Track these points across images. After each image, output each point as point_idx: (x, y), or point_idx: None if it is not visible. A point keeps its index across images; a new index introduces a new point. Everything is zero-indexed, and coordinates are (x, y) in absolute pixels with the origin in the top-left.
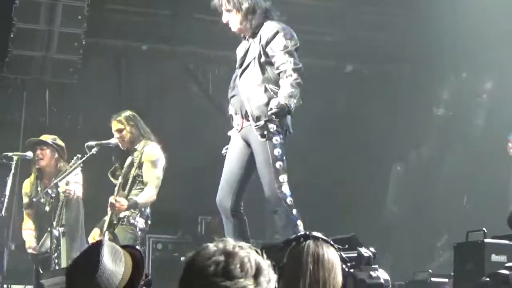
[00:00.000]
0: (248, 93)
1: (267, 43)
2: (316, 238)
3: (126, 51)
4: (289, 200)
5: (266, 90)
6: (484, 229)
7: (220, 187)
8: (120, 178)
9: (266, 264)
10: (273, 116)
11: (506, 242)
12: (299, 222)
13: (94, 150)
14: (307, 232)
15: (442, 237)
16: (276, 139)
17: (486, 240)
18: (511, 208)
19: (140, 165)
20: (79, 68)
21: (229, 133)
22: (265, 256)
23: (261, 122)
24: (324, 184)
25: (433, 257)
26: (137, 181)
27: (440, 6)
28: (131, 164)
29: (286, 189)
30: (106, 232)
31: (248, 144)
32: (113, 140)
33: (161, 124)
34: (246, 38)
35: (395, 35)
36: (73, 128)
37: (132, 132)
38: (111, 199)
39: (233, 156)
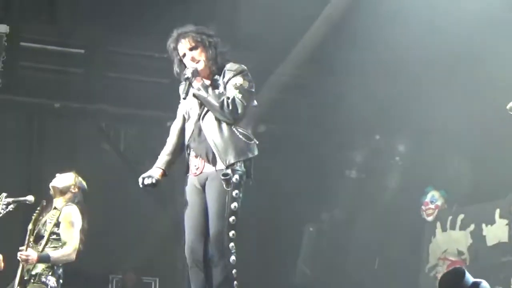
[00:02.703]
0: (215, 136)
1: (228, 80)
2: None
3: (38, 108)
4: (232, 259)
5: (234, 134)
6: None
7: (187, 237)
8: (31, 232)
9: None
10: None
11: None
12: (236, 283)
13: (10, 207)
14: None
15: None
16: (236, 193)
17: None
18: (424, 270)
19: (57, 224)
20: None
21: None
22: None
23: (229, 172)
24: (238, 244)
25: None
26: (52, 239)
27: (351, 71)
28: (48, 221)
29: (233, 246)
30: None
31: (204, 189)
32: (30, 197)
33: None
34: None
35: (309, 98)
36: None
37: (72, 192)
38: (19, 253)
39: (193, 203)
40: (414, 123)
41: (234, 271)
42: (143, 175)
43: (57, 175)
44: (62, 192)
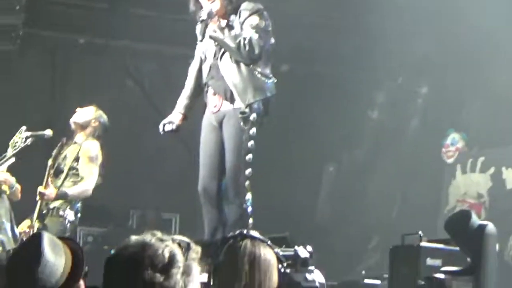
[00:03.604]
0: (234, 76)
1: (244, 20)
2: (253, 238)
3: (63, 43)
4: (248, 197)
5: (252, 73)
6: (420, 232)
7: (202, 174)
8: (51, 167)
9: (183, 257)
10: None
11: (442, 246)
12: (251, 221)
13: (29, 141)
14: (245, 231)
15: (373, 239)
16: (254, 131)
17: (422, 244)
18: (443, 211)
19: (77, 158)
20: (16, 58)
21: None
22: (193, 251)
23: (247, 110)
24: (257, 182)
25: (363, 259)
26: (71, 174)
27: (376, 9)
28: (68, 155)
29: (248, 184)
30: (37, 222)
31: (221, 127)
32: (47, 132)
33: None
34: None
35: (332, 36)
36: (5, 118)
37: (92, 126)
38: (40, 188)
39: (208, 140)
40: (436, 65)
41: (249, 209)
42: (164, 121)
43: (78, 109)
44: (83, 126)
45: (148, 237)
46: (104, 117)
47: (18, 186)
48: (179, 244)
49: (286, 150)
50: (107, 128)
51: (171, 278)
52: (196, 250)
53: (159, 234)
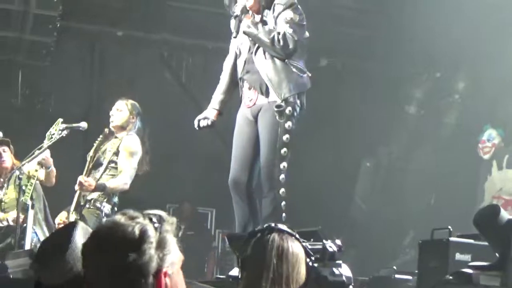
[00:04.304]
0: (269, 70)
1: (278, 14)
2: (281, 231)
3: (100, 36)
4: (282, 191)
5: (287, 67)
6: (449, 227)
7: (233, 166)
8: (92, 159)
9: (156, 231)
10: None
11: (471, 241)
12: (284, 215)
13: (64, 133)
14: (273, 225)
15: (408, 234)
16: (289, 125)
17: (451, 239)
18: (478, 208)
19: (116, 152)
20: (53, 50)
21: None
22: (167, 223)
23: (283, 103)
24: (293, 176)
25: (398, 254)
26: (110, 167)
27: (415, 5)
28: (108, 149)
29: (283, 178)
30: (74, 213)
31: (256, 121)
32: (83, 124)
33: None
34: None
35: (370, 31)
36: (44, 110)
37: (128, 118)
38: (80, 178)
39: (243, 133)
40: (473, 61)
41: (283, 203)
42: (199, 117)
43: (110, 113)
44: (123, 127)
45: (118, 217)
46: (137, 106)
47: (54, 169)
48: (150, 219)
49: (322, 144)
50: (145, 120)
51: (145, 255)
52: (170, 221)
53: (130, 212)
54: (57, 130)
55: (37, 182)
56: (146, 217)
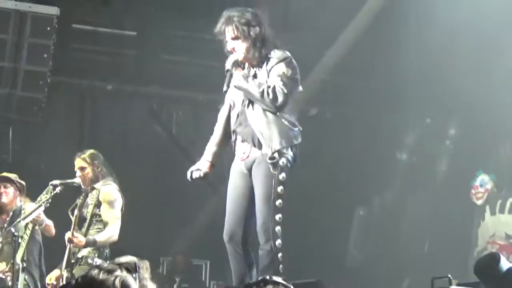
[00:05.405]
0: (260, 124)
1: (271, 68)
2: (276, 283)
3: (90, 90)
4: (278, 242)
5: (278, 120)
6: (449, 275)
7: (227, 220)
8: (76, 215)
9: (136, 281)
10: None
11: None
12: (281, 267)
13: (58, 189)
14: (267, 277)
15: (404, 281)
16: (283, 176)
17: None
18: (473, 254)
19: (98, 205)
20: (44, 106)
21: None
22: (143, 271)
23: (276, 155)
24: (287, 227)
25: None
26: (95, 221)
27: (404, 51)
28: (89, 202)
29: (279, 230)
30: (65, 271)
31: (251, 173)
32: (77, 179)
33: (124, 164)
34: (247, 68)
35: (359, 78)
36: (36, 166)
37: (94, 171)
38: (68, 234)
39: (237, 186)
40: (465, 106)
41: (280, 254)
42: (192, 168)
43: (76, 174)
44: (93, 180)
45: (94, 272)
46: (96, 154)
47: (49, 223)
48: (127, 269)
49: (316, 194)
50: (134, 174)
51: None
52: (145, 268)
53: (104, 264)
54: (49, 193)
55: (37, 228)
56: (122, 267)
